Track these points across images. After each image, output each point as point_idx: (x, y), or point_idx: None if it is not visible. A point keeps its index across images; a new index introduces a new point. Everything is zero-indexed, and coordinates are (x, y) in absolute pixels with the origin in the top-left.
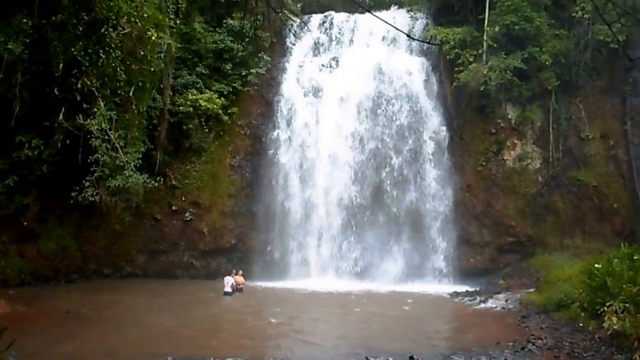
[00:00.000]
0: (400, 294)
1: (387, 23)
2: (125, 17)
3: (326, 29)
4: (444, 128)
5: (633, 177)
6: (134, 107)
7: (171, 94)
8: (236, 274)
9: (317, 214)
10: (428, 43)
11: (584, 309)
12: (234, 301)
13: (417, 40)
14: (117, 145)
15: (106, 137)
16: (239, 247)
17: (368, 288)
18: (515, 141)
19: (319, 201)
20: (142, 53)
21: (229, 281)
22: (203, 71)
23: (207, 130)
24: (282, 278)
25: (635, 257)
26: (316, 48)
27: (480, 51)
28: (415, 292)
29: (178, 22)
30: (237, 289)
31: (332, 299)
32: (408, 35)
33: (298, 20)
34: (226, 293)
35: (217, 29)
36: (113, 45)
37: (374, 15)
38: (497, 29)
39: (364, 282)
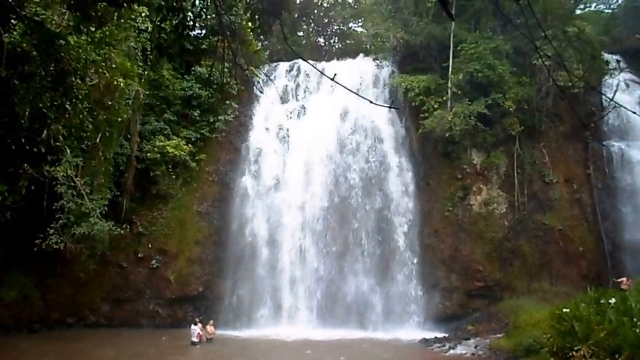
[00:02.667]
0: (371, 342)
1: (329, 78)
2: (94, 68)
3: (293, 76)
4: (411, 174)
5: (597, 220)
6: (100, 154)
7: (138, 140)
8: (204, 324)
9: (286, 262)
10: (388, 107)
11: (553, 354)
12: (200, 353)
13: (374, 103)
14: (83, 192)
15: (72, 184)
16: (206, 295)
17: (338, 336)
18: (481, 186)
19: (288, 249)
20: (109, 102)
21: (195, 331)
22: (171, 117)
23: (174, 176)
24: (251, 326)
25: (602, 301)
26: (283, 96)
27: (444, 98)
28: (386, 339)
29: (146, 70)
30: (207, 339)
31: (302, 348)
32: (359, 95)
33: (263, 74)
34: (193, 343)
35: (185, 76)
36: (80, 97)
37: (318, 70)
38: (461, 76)
39: (334, 330)
